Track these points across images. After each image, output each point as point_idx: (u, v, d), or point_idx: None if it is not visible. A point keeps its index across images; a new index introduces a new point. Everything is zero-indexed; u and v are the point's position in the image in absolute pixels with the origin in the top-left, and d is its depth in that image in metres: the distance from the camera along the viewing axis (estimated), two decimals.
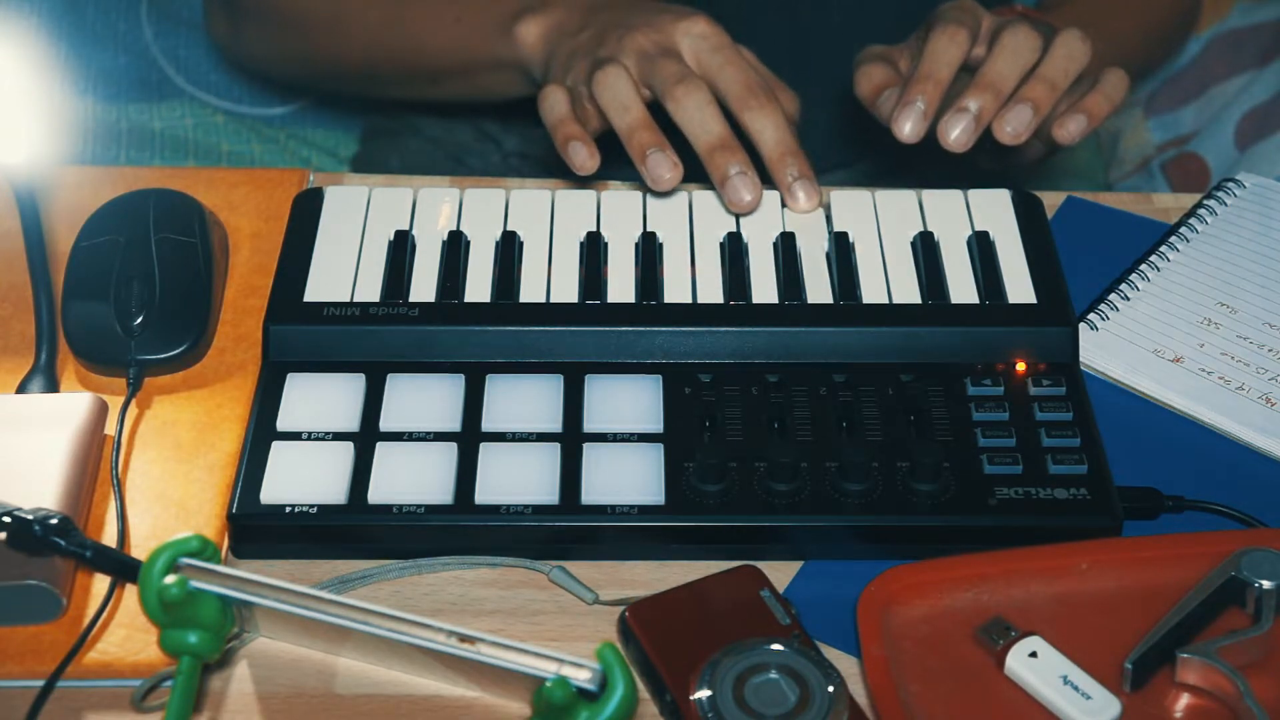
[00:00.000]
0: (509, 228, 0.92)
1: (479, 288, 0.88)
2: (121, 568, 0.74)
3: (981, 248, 0.91)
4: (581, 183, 1.01)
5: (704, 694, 0.70)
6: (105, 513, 0.80)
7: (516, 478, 0.79)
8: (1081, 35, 0.92)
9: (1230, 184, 1.02)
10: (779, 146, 0.92)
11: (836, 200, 0.95)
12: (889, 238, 0.92)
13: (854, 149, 1.25)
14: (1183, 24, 1.37)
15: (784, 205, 0.94)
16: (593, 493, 0.79)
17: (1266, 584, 0.73)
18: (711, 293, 0.89)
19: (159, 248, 0.90)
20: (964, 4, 0.96)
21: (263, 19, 1.21)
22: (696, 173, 1.01)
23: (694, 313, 0.87)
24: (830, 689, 0.70)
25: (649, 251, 0.91)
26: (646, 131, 0.91)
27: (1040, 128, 0.92)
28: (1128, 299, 0.93)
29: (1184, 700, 0.72)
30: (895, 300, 0.88)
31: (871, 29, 1.14)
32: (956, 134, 0.89)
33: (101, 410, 0.83)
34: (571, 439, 0.81)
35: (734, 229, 0.93)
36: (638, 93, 0.93)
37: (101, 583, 0.76)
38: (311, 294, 0.87)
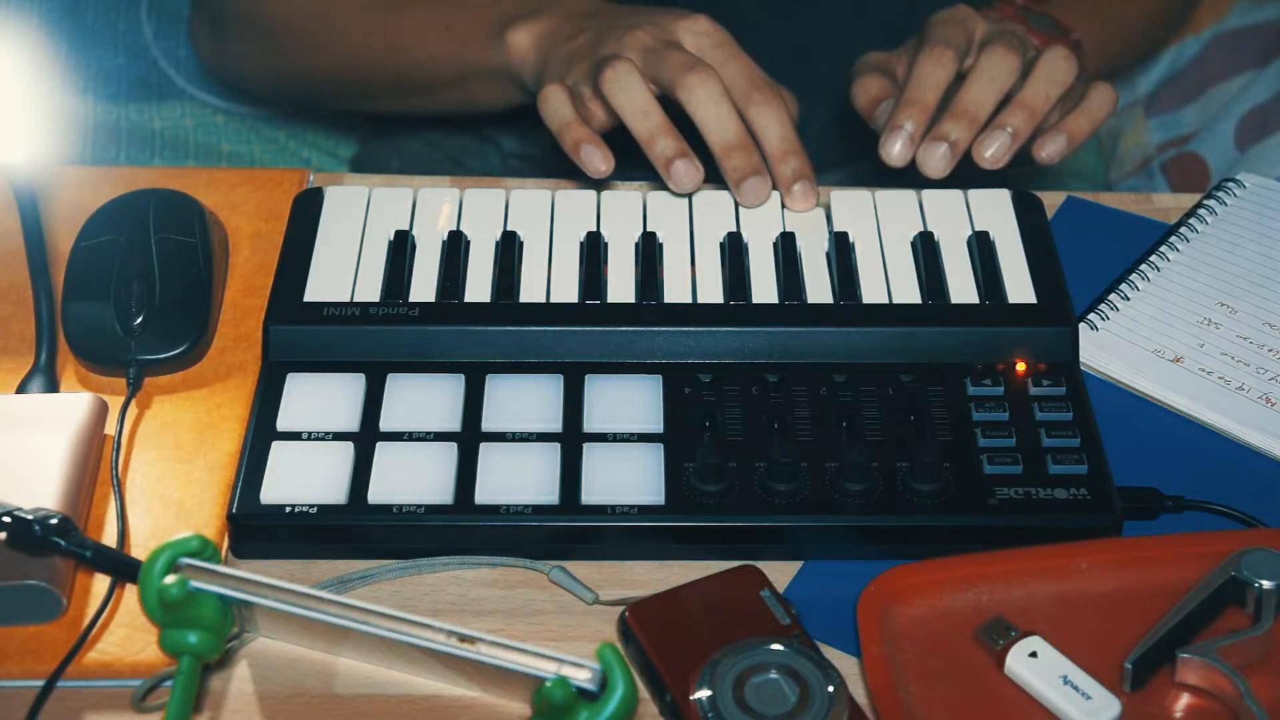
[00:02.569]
0: (509, 228, 0.92)
1: (479, 288, 0.88)
2: (121, 568, 0.74)
3: (981, 247, 0.91)
4: (582, 183, 1.00)
5: (704, 694, 0.70)
6: (105, 513, 0.80)
7: (516, 478, 0.79)
8: (1065, 54, 0.93)
9: (1230, 184, 1.02)
10: (783, 145, 0.92)
11: (836, 200, 0.95)
12: (889, 238, 0.92)
13: (854, 148, 1.25)
14: (1177, 15, 1.36)
15: (783, 205, 0.94)
16: (593, 493, 0.79)
17: (1266, 584, 0.73)
18: (711, 293, 0.88)
19: (159, 248, 0.90)
20: (956, 14, 0.96)
21: (249, 33, 1.20)
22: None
23: (694, 313, 0.87)
24: (830, 689, 0.70)
25: (649, 251, 0.91)
26: (668, 138, 0.91)
27: (1021, 147, 0.93)
28: (1128, 299, 0.93)
29: (1184, 700, 0.72)
30: (895, 300, 0.88)
31: (871, 26, 1.14)
32: (933, 162, 0.90)
33: (101, 410, 0.83)
34: (571, 439, 0.81)
35: (734, 229, 0.93)
36: (650, 91, 0.92)
37: (101, 583, 0.76)
38: (311, 294, 0.87)
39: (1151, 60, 1.44)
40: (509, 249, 0.91)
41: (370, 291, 0.88)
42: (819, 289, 0.89)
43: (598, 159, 0.91)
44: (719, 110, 0.91)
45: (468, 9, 1.08)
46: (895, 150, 0.91)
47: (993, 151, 0.91)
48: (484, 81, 1.08)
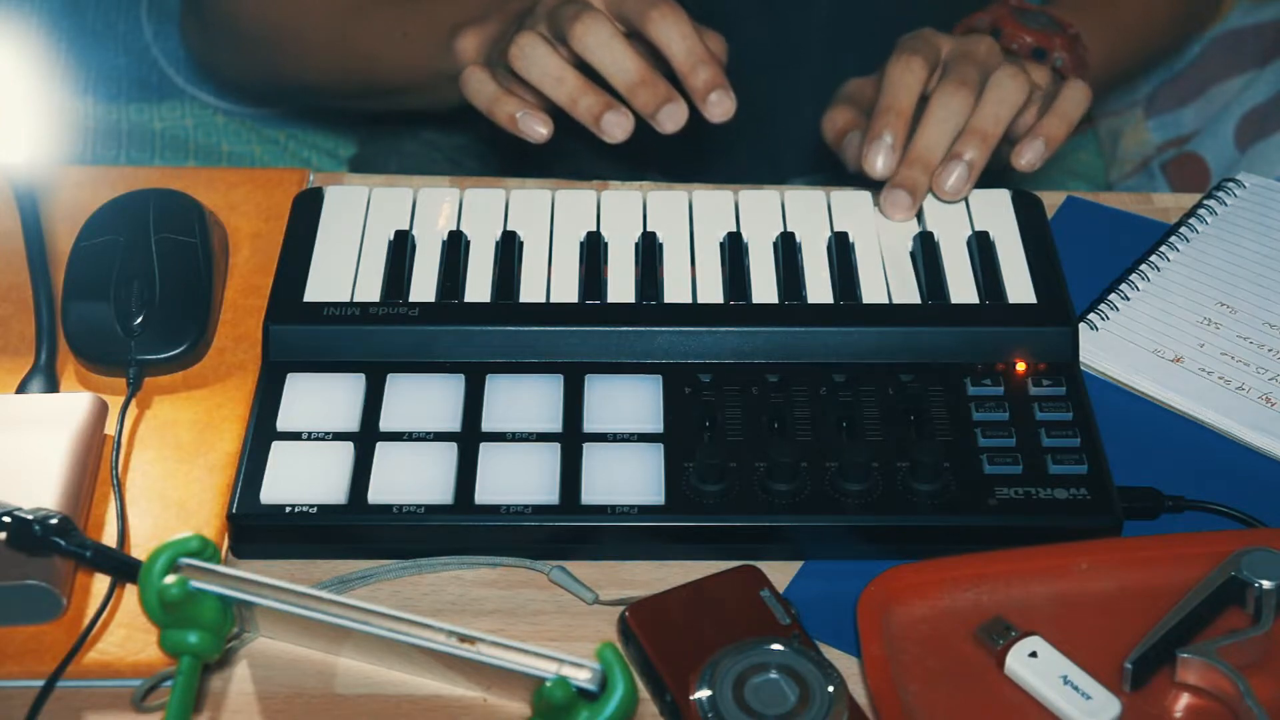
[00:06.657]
0: (509, 228, 0.92)
1: (479, 288, 0.88)
2: (121, 568, 0.74)
3: (981, 248, 0.91)
4: (582, 183, 1.01)
5: (704, 694, 0.70)
6: (105, 513, 0.80)
7: (516, 478, 0.79)
8: (1013, 72, 0.92)
9: (1230, 184, 1.02)
10: (689, 57, 0.90)
11: (837, 200, 0.95)
12: (889, 238, 0.92)
13: None
14: (1195, 13, 1.36)
15: (782, 204, 0.94)
16: (593, 493, 0.79)
17: (1266, 584, 0.73)
18: (711, 293, 0.88)
19: (159, 248, 0.90)
20: (921, 33, 0.96)
21: (230, 34, 1.22)
22: (697, 173, 1.01)
23: (694, 313, 0.87)
24: (830, 689, 0.70)
25: (649, 251, 0.91)
26: (588, 96, 0.90)
27: (999, 154, 0.93)
28: (1128, 299, 0.93)
29: (1184, 700, 0.72)
30: (895, 300, 0.88)
31: (859, 27, 1.14)
32: (899, 211, 0.92)
33: (101, 410, 0.83)
34: (571, 439, 0.81)
35: (734, 229, 0.93)
36: (559, 54, 0.92)
37: (101, 583, 0.76)
38: (311, 294, 0.87)
39: (1164, 65, 1.43)
40: (509, 249, 0.91)
41: (370, 291, 0.88)
42: (819, 289, 0.89)
43: (535, 124, 0.91)
44: (612, 52, 0.90)
45: (424, 16, 1.09)
46: (879, 163, 0.91)
47: (952, 182, 0.91)
48: (443, 85, 1.08)
